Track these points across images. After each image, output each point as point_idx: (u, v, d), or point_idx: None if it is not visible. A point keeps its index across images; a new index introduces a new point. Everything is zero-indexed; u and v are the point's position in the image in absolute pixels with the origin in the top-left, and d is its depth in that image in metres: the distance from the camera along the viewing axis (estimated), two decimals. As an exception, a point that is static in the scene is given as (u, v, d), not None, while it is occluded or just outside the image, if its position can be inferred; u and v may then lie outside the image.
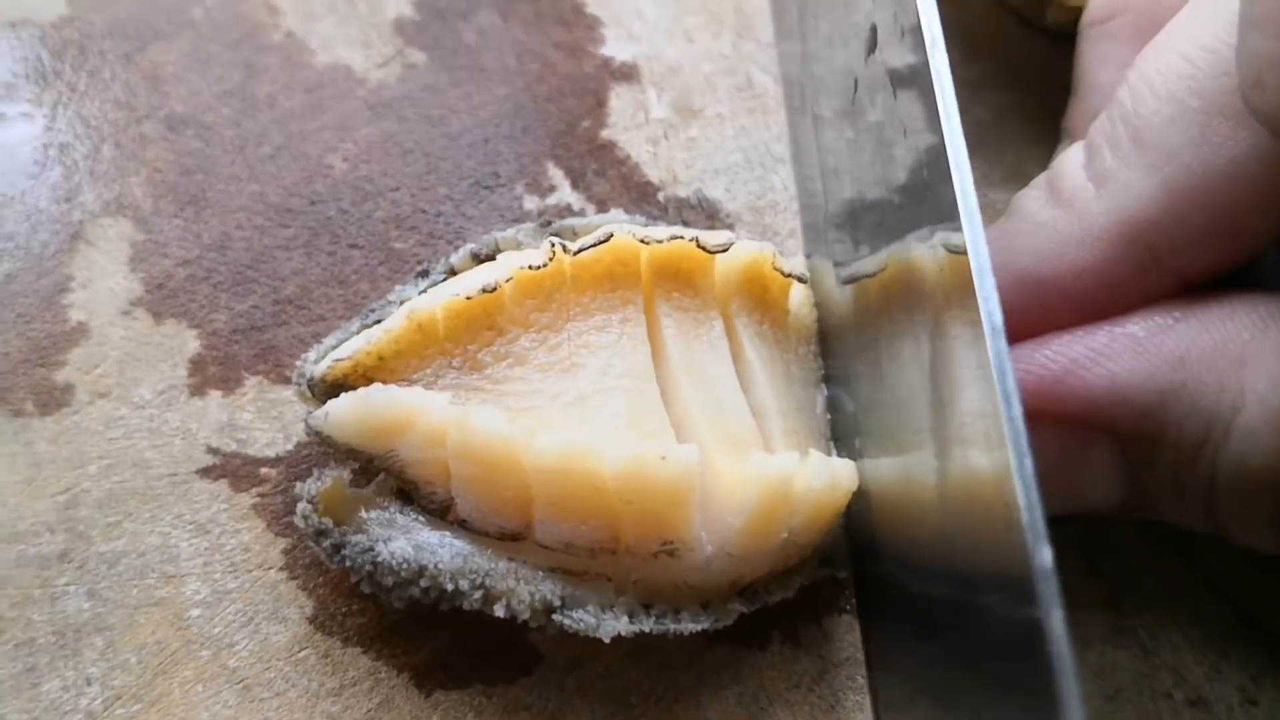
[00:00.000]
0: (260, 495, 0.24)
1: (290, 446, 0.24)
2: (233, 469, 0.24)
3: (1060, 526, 0.19)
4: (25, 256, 0.25)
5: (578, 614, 0.21)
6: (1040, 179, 0.22)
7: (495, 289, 0.22)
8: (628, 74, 0.28)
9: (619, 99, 0.28)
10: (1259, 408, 0.19)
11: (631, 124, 0.28)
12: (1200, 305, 0.21)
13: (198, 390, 0.25)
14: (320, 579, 0.23)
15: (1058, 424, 0.21)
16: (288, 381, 0.25)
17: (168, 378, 0.25)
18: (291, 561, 0.23)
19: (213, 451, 0.24)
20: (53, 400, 0.24)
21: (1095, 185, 0.21)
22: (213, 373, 0.25)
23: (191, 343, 0.25)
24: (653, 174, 0.27)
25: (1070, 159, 0.22)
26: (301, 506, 0.21)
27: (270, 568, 0.23)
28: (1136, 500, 0.21)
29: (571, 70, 0.28)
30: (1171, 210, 0.20)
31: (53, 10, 0.28)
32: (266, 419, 0.24)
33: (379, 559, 0.21)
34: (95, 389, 0.24)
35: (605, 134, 0.28)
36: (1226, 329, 0.20)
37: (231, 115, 0.27)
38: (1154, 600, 0.24)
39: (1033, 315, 0.21)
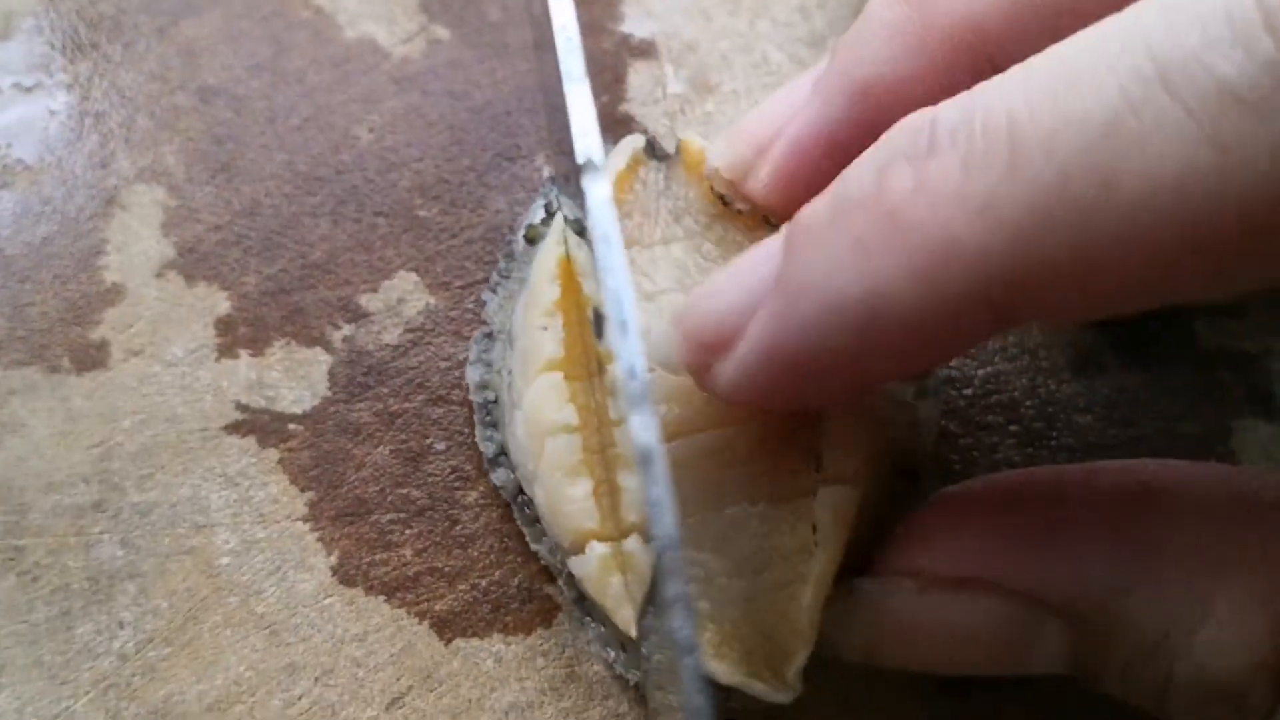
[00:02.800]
0: (287, 450, 0.25)
1: (316, 403, 0.25)
2: (261, 425, 0.25)
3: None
4: (62, 220, 0.26)
5: None
6: None
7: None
8: (646, 51, 0.29)
9: (637, 75, 0.29)
10: (1228, 617, 0.18)
11: (649, 99, 0.29)
12: (1179, 487, 0.20)
13: (228, 350, 0.25)
14: (343, 531, 0.24)
15: (1010, 596, 0.20)
16: (315, 342, 0.26)
17: (199, 337, 0.25)
18: (317, 514, 0.24)
19: (241, 408, 0.25)
20: (88, 357, 0.25)
21: None
22: (242, 333, 0.26)
23: (222, 304, 0.26)
24: (670, 148, 0.28)
25: None
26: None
27: (296, 519, 0.24)
28: (1084, 675, 0.20)
29: (591, 47, 0.29)
30: (1014, 17, 0.18)
31: (89, -14, 0.29)
32: (294, 378, 0.25)
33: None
34: (129, 347, 0.25)
35: (623, 108, 0.29)
36: (1207, 525, 0.19)
37: (261, 88, 0.28)
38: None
39: (875, 132, 0.19)
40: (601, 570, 0.21)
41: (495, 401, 0.24)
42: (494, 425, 0.24)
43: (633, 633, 0.21)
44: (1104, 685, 0.20)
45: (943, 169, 0.16)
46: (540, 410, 0.22)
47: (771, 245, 0.19)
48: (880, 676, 0.23)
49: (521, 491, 0.24)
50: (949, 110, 0.17)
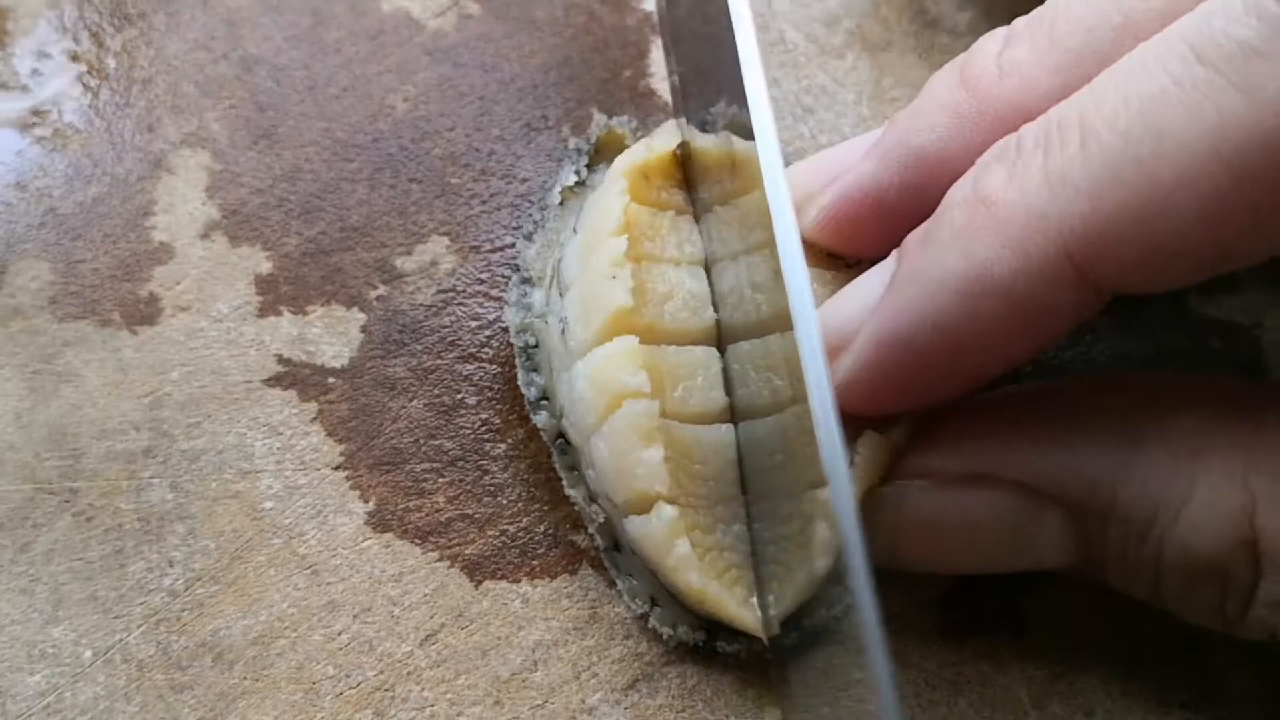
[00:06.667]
0: (327, 402, 0.26)
1: (353, 359, 0.26)
2: (302, 378, 0.26)
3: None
4: (111, 182, 0.28)
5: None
6: (956, 60, 0.23)
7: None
8: (668, 28, 0.30)
9: (660, 51, 0.30)
10: (1208, 498, 0.20)
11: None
12: (1164, 390, 0.22)
13: (270, 307, 0.27)
14: (379, 479, 0.25)
15: (1011, 488, 0.22)
16: (353, 301, 0.27)
17: (243, 295, 0.27)
18: (354, 463, 0.26)
19: (283, 362, 0.26)
20: (138, 313, 0.26)
21: (1000, 73, 0.21)
22: (284, 291, 0.27)
23: (264, 264, 0.27)
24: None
25: (987, 44, 0.22)
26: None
27: (335, 467, 0.25)
28: (1086, 566, 0.22)
29: (616, 23, 0.30)
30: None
31: (134, -42, 0.30)
32: (333, 334, 0.27)
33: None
34: (177, 303, 0.27)
35: (645, 83, 0.30)
36: (1188, 419, 0.21)
37: (301, 58, 0.29)
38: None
39: (925, 196, 0.21)
40: (670, 533, 0.22)
41: (536, 346, 0.25)
42: (535, 369, 0.25)
43: (700, 593, 0.22)
44: (1105, 574, 0.22)
45: (1028, 160, 0.19)
46: (612, 373, 0.23)
47: (885, 263, 0.22)
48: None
49: (560, 436, 0.25)
50: (1031, 125, 0.20)
